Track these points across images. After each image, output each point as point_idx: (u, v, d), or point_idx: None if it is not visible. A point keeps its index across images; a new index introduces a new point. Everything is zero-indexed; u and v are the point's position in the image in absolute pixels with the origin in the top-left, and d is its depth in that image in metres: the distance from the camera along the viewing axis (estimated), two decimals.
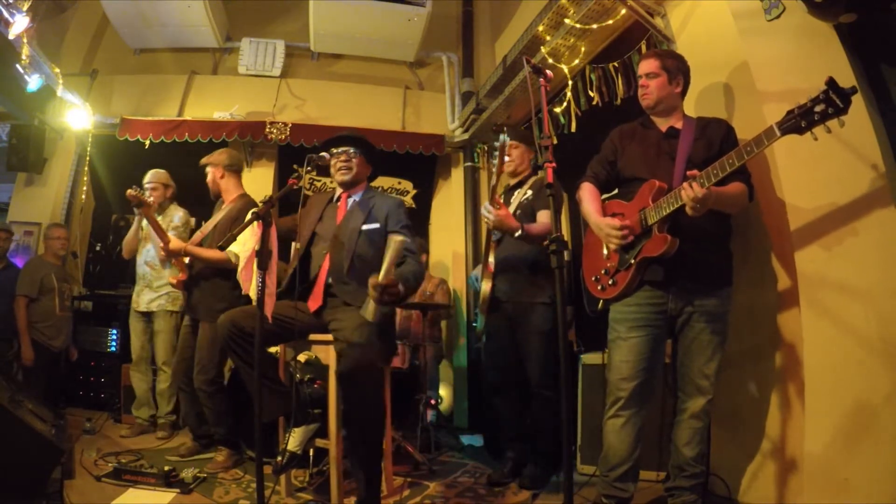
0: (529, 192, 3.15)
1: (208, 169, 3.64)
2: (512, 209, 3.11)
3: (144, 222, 3.94)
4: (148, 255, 4.01)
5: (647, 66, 2.48)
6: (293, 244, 2.88)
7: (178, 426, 4.03)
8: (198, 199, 4.31)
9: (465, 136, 5.43)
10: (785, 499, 2.32)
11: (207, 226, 3.55)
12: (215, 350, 3.27)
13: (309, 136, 5.15)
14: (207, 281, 3.44)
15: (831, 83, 1.77)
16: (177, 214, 4.01)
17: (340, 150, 2.86)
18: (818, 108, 1.79)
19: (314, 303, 2.66)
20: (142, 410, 4.06)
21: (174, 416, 4.01)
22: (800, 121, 1.83)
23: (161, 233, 3.44)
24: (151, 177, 4.00)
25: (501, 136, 2.89)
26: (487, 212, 2.88)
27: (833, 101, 1.77)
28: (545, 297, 2.97)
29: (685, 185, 2.09)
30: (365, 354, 2.36)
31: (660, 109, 2.48)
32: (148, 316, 4.03)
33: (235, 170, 3.67)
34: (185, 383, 3.48)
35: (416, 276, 2.57)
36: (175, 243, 3.41)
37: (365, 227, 2.76)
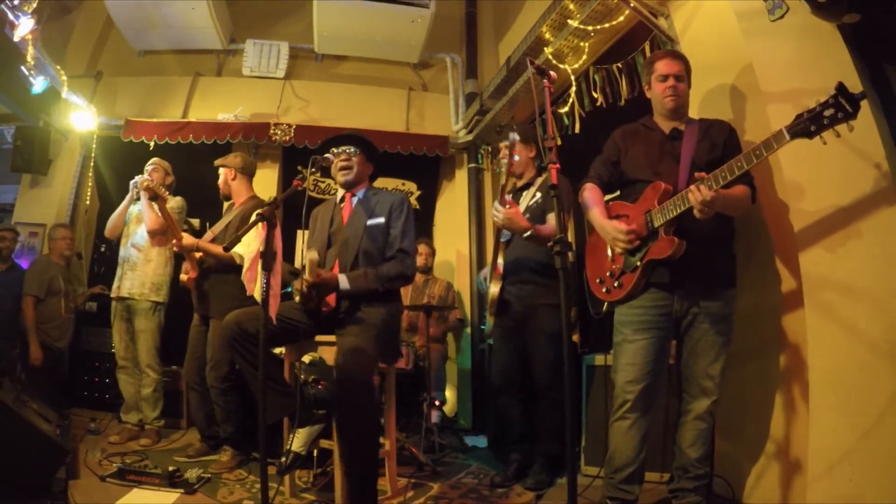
0: (538, 195, 3.14)
1: (221, 170, 3.66)
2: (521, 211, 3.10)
3: (133, 208, 3.96)
4: (135, 238, 3.93)
5: (675, 66, 2.43)
6: (301, 251, 2.89)
7: (164, 434, 3.90)
8: (203, 201, 4.32)
9: (469, 138, 5.43)
10: (789, 500, 2.31)
11: (218, 226, 3.57)
12: (227, 346, 3.25)
13: (313, 138, 5.16)
14: (219, 278, 3.45)
15: (840, 88, 1.77)
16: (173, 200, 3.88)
17: (340, 149, 2.88)
18: (827, 113, 1.78)
19: (329, 302, 2.68)
20: (131, 415, 3.88)
21: (161, 420, 3.88)
22: (809, 125, 1.82)
23: (174, 228, 3.44)
24: (154, 161, 3.95)
25: (511, 135, 2.89)
26: (497, 211, 2.86)
27: (842, 106, 1.76)
28: (555, 299, 2.95)
29: (692, 187, 2.08)
30: (355, 364, 2.38)
31: (680, 112, 2.47)
32: (128, 309, 3.88)
33: (248, 173, 3.70)
34: (196, 382, 3.49)
35: (385, 278, 2.69)
36: (188, 239, 3.42)
37: (369, 222, 2.79)
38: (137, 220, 3.94)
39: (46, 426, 2.58)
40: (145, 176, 3.74)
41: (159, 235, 3.72)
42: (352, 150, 2.89)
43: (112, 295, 3.97)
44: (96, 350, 4.68)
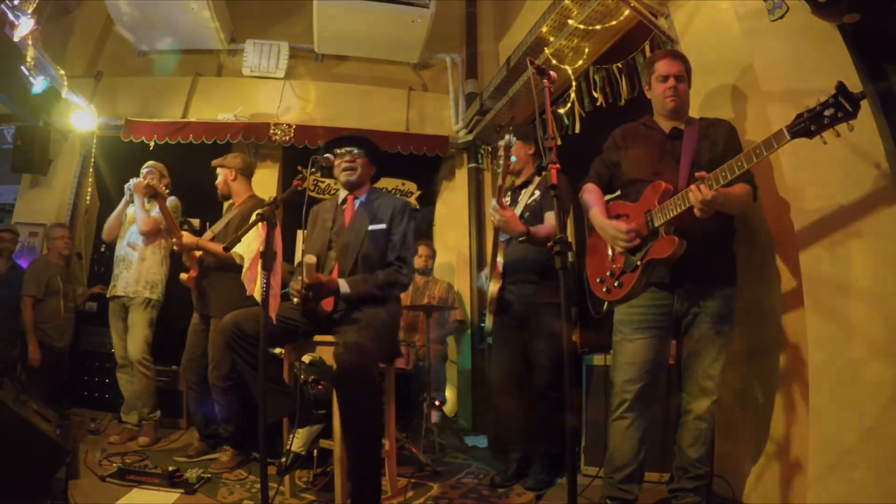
0: (537, 193, 3.14)
1: (220, 171, 3.66)
2: (519, 210, 3.10)
3: (129, 209, 3.98)
4: (131, 237, 3.94)
5: (675, 66, 2.42)
6: (301, 253, 2.89)
7: (163, 434, 3.89)
8: (203, 201, 4.31)
9: (469, 138, 5.43)
10: (789, 500, 2.31)
11: (218, 225, 3.57)
12: (226, 348, 3.25)
13: (313, 138, 5.16)
14: (219, 277, 3.46)
15: (841, 87, 1.76)
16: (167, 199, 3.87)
17: (344, 150, 2.87)
18: (828, 112, 1.78)
19: (326, 305, 2.68)
20: (131, 415, 3.87)
21: (158, 412, 3.83)
22: (809, 124, 1.82)
23: (174, 227, 3.45)
24: (149, 164, 3.93)
25: (507, 136, 2.90)
26: (494, 211, 2.85)
27: (842, 106, 1.75)
28: (555, 299, 2.94)
29: (693, 187, 2.08)
30: (359, 360, 2.37)
31: (680, 112, 2.47)
32: (124, 308, 3.89)
33: (247, 174, 3.71)
34: (195, 381, 3.49)
35: (383, 284, 2.70)
36: (188, 238, 3.43)
37: (371, 227, 2.79)
38: (133, 219, 3.96)
39: (46, 426, 2.58)
40: (140, 178, 3.74)
41: (152, 235, 3.73)
42: (356, 151, 2.88)
43: (108, 294, 3.98)
44: (96, 350, 4.67)
